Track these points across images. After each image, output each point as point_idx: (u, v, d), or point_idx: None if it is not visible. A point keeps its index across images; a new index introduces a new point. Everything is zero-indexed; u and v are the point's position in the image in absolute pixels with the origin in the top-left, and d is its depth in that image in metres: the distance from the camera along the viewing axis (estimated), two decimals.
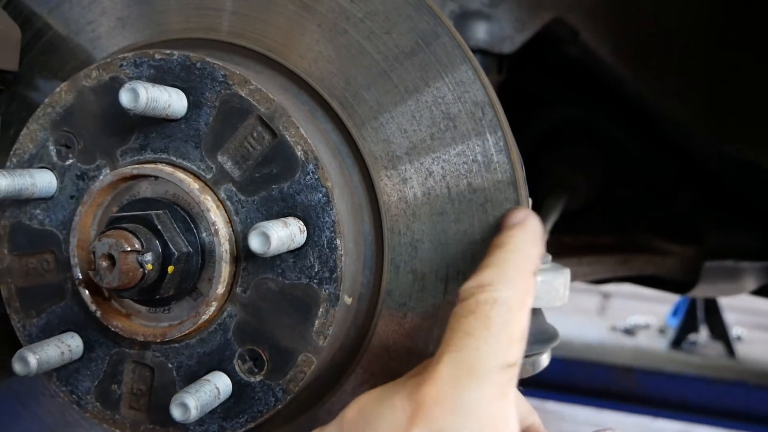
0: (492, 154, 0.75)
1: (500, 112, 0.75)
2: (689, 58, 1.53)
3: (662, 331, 4.76)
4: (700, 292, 1.83)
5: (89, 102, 0.77)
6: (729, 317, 4.57)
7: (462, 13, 1.46)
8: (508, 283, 0.65)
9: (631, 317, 4.97)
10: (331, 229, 0.71)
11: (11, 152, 0.80)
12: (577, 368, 3.92)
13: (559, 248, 1.70)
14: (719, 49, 1.50)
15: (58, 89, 0.78)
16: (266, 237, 0.65)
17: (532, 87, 1.86)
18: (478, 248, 0.75)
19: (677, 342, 4.46)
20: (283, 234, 0.67)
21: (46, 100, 0.78)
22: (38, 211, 0.80)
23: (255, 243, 0.66)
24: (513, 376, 0.62)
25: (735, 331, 4.80)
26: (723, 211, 1.77)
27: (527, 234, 0.71)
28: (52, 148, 0.78)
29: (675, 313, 4.67)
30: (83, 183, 0.78)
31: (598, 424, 4.07)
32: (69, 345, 0.78)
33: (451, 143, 0.75)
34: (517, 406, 0.63)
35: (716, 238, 1.76)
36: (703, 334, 4.51)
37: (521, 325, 0.64)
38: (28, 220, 0.80)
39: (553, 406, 4.22)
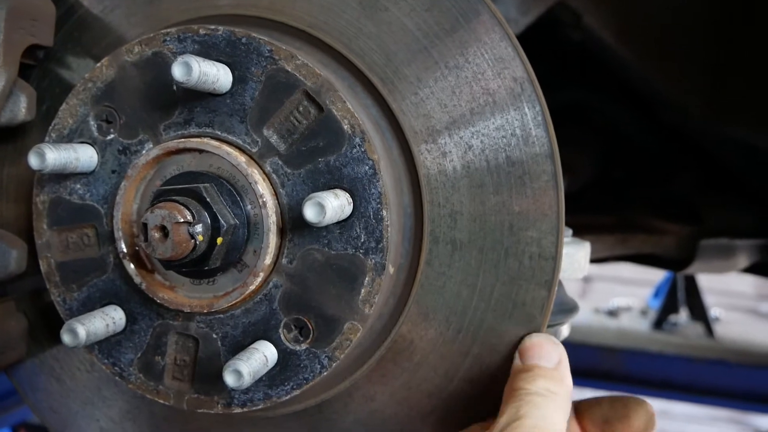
0: (530, 128, 0.77)
1: (538, 87, 0.77)
2: (692, 41, 1.56)
3: (644, 312, 4.86)
4: (696, 269, 1.88)
5: (131, 77, 0.77)
6: (708, 299, 4.68)
7: None
8: None
9: (614, 299, 5.06)
10: (378, 200, 0.72)
11: (50, 127, 0.80)
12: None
13: None
14: (722, 33, 1.54)
15: (98, 64, 0.78)
16: (321, 207, 0.67)
17: None
18: (515, 219, 0.78)
19: (659, 323, 4.56)
20: (335, 204, 0.69)
21: (86, 75, 0.79)
22: (78, 186, 0.80)
23: (310, 213, 0.67)
24: None
25: (713, 312, 4.92)
26: (719, 191, 1.82)
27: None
28: (92, 123, 0.79)
29: (656, 295, 4.77)
30: (125, 158, 0.78)
31: None
32: (113, 317, 0.79)
33: (490, 118, 0.77)
34: None
35: (713, 217, 1.81)
36: (683, 315, 4.62)
37: None
38: (68, 195, 0.81)
39: None
